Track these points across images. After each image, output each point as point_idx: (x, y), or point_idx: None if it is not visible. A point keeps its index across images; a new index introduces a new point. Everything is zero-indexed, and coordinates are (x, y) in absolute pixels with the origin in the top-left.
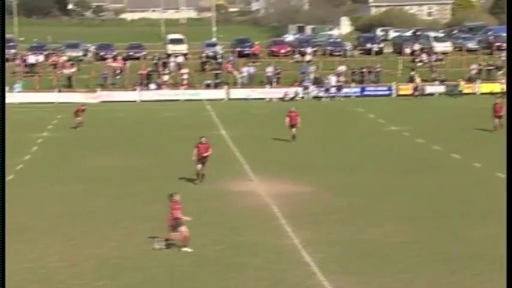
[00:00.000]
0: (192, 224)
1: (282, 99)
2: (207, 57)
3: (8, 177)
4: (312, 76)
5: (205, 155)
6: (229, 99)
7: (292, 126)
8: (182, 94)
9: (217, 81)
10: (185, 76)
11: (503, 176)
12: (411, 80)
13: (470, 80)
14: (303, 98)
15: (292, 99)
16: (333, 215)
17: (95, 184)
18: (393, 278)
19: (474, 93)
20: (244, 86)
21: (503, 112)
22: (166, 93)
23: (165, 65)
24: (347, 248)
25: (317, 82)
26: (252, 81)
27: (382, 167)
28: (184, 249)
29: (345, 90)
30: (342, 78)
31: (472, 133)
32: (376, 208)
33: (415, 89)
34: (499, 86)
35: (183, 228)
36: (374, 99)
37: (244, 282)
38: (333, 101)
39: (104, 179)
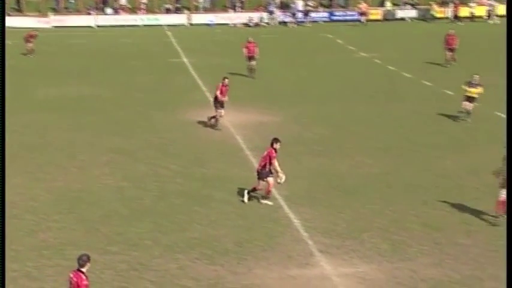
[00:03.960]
0: (155, 157)
1: (246, 25)
2: None
3: None
4: (278, 0)
5: (225, 99)
6: (191, 24)
7: (250, 58)
8: (141, 19)
9: (178, 5)
10: (144, 0)
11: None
12: (382, 4)
13: (443, 3)
14: (268, 23)
15: (257, 25)
16: (300, 146)
17: (49, 115)
18: (361, 209)
19: (447, 18)
20: (206, 10)
21: (456, 45)
22: (124, 19)
23: None
24: (315, 179)
25: (283, 7)
26: (215, 6)
27: (352, 96)
28: (265, 201)
29: (312, 15)
30: (309, 3)
31: (443, 60)
32: (346, 139)
33: (362, 14)
34: (468, 10)
35: (271, 180)
36: (343, 25)
37: (208, 215)
38: (300, 27)
39: (59, 109)
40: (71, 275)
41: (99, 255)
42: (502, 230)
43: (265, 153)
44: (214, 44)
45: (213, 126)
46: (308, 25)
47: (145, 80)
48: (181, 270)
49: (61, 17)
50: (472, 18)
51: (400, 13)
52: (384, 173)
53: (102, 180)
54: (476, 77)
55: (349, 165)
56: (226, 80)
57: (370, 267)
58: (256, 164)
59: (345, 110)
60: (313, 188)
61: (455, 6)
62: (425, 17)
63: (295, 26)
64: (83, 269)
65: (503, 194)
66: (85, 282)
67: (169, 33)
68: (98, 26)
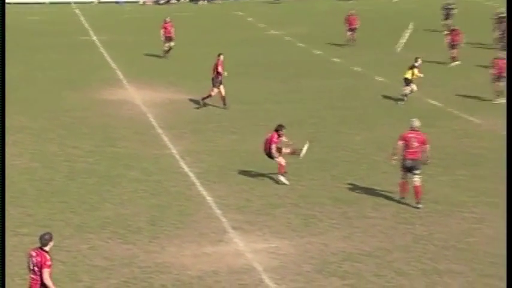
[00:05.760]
0: (64, 136)
1: (156, 2)
2: None
3: None
4: None
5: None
6: (100, 2)
7: (167, 39)
8: None
9: None
10: None
11: (381, 79)
12: None
13: None
14: (178, 1)
15: (167, 2)
16: (212, 124)
17: None
18: (273, 185)
19: None
20: None
21: (358, 25)
22: None
23: None
24: (227, 157)
25: None
26: None
27: (263, 73)
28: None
29: None
30: None
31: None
32: (257, 116)
33: None
34: None
35: (280, 159)
36: (253, 2)
37: (120, 194)
38: (210, 4)
39: None
40: (33, 253)
41: (9, 237)
42: (407, 205)
43: (271, 139)
44: (123, 22)
45: (224, 106)
46: (218, 2)
47: (54, 58)
48: (93, 250)
49: None
50: None
51: None
52: None
53: (10, 161)
54: (420, 60)
55: (260, 142)
56: (222, 56)
57: (283, 242)
58: (169, 142)
59: (256, 87)
60: (225, 165)
61: None
62: None
63: (206, 3)
64: (46, 248)
65: (404, 177)
66: (49, 263)
67: (77, 11)
68: None
